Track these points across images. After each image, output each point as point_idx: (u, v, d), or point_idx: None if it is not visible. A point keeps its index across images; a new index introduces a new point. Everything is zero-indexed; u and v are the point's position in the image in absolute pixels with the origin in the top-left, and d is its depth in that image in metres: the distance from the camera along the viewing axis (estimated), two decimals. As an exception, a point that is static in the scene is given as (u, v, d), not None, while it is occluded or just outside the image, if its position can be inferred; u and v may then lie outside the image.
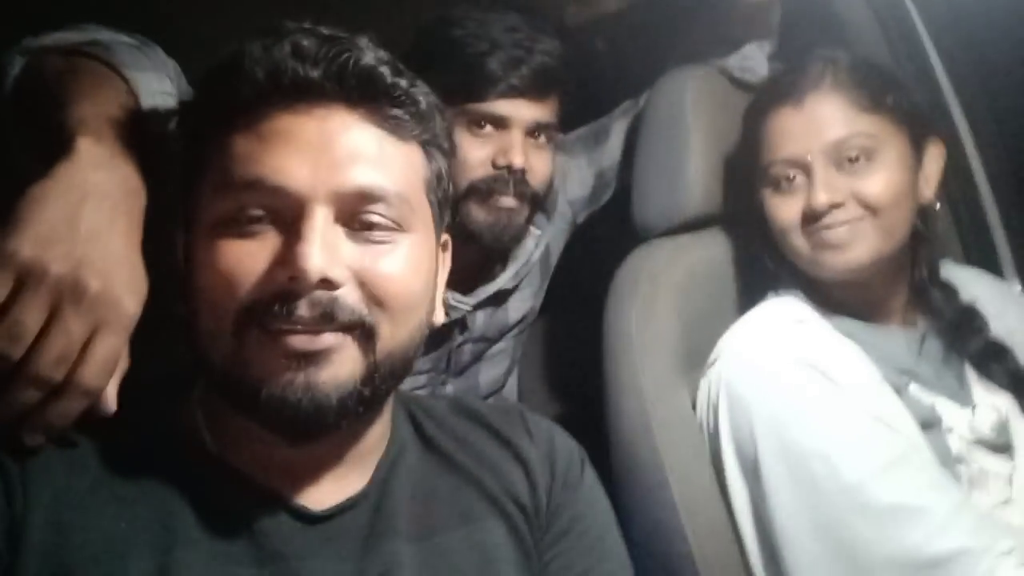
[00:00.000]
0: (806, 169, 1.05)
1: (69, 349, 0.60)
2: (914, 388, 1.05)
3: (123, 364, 0.65)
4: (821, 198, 1.03)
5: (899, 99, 1.07)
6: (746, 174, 1.18)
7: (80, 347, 0.61)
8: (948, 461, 1.00)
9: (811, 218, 1.05)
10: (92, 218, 0.63)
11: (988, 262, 1.43)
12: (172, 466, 0.68)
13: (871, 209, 1.03)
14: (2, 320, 0.59)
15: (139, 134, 0.72)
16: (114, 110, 0.71)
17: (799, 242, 1.08)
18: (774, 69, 1.29)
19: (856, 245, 1.04)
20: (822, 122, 1.05)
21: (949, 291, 1.15)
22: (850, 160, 1.04)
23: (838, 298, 1.11)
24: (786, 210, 1.08)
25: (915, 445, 0.98)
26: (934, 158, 1.10)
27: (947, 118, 1.41)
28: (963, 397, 1.08)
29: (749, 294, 1.22)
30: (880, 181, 1.03)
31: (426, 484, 0.77)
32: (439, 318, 0.77)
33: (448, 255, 0.82)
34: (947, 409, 1.05)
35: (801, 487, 0.96)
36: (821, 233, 1.05)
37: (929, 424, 1.02)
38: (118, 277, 0.63)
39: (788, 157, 1.07)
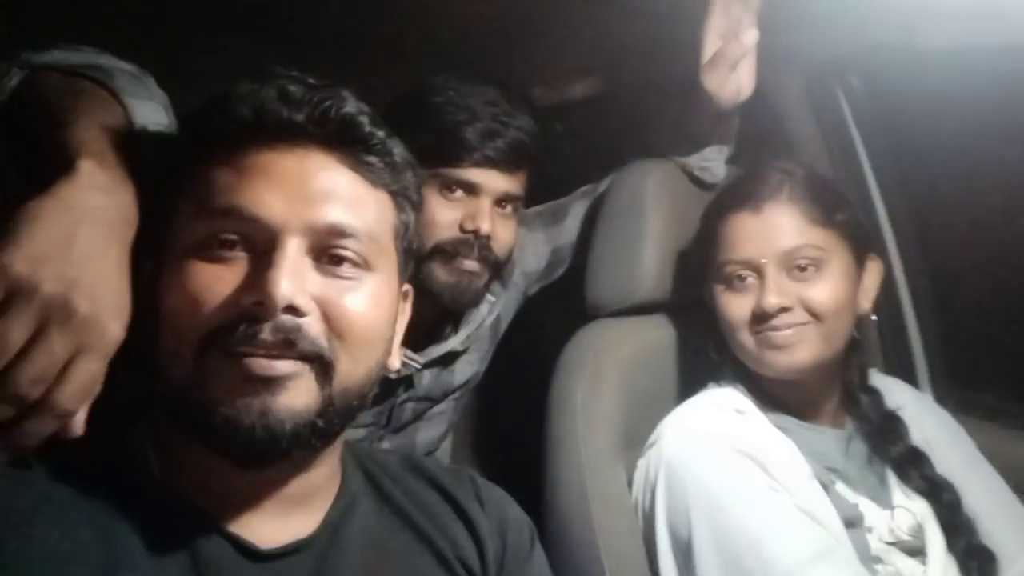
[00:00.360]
0: (759, 271, 1.11)
1: (49, 369, 0.60)
2: (840, 486, 1.10)
3: (96, 388, 0.64)
4: (772, 300, 1.08)
5: (847, 216, 1.15)
6: (698, 267, 1.23)
7: (60, 368, 0.60)
8: (867, 560, 1.04)
9: (760, 318, 1.10)
10: (87, 241, 0.63)
11: (906, 372, 1.52)
12: (118, 491, 0.68)
13: (816, 316, 1.09)
14: None
15: (135, 161, 0.72)
16: (114, 135, 0.72)
17: (746, 339, 1.13)
18: (731, 172, 1.37)
19: (799, 348, 1.10)
20: (778, 230, 1.11)
21: (876, 396, 1.21)
22: (799, 268, 1.10)
23: (775, 394, 1.17)
24: (736, 307, 1.13)
25: (840, 541, 1.02)
26: (872, 273, 1.18)
27: (877, 233, 1.51)
28: (884, 499, 1.13)
29: (690, 379, 1.27)
30: (826, 290, 1.10)
31: (378, 537, 0.77)
32: (395, 363, 0.79)
33: (408, 305, 0.84)
34: (869, 509, 1.09)
35: (731, 573, 0.99)
36: (768, 333, 1.10)
37: (852, 522, 1.06)
38: (106, 302, 0.63)
39: (743, 258, 1.13)
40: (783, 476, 1.04)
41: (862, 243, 1.16)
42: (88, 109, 0.72)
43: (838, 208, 1.14)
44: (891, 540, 1.08)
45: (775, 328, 1.09)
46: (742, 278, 1.13)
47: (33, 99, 0.74)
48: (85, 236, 0.63)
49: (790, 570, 0.96)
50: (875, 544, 1.07)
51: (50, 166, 0.67)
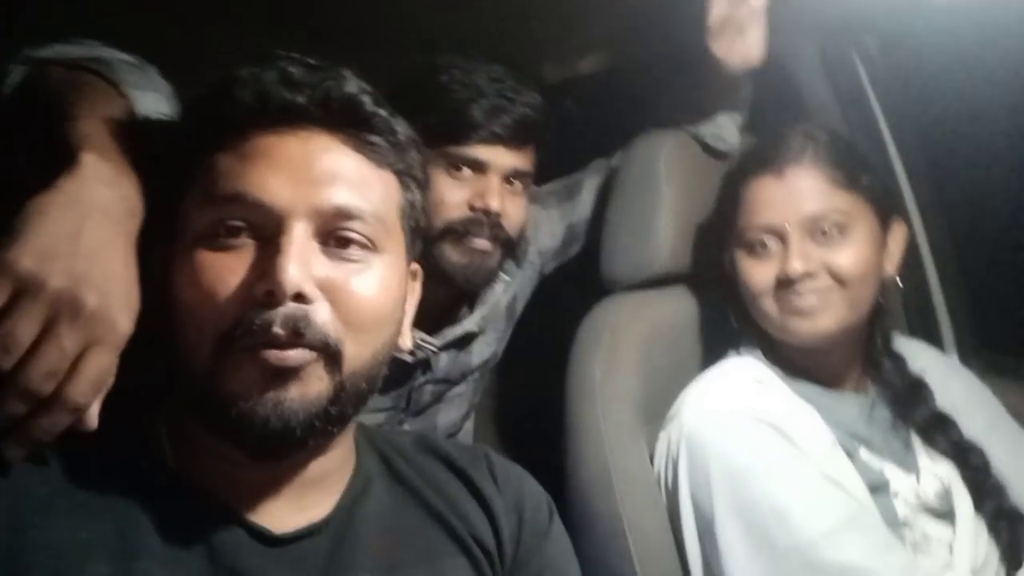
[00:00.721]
0: (782, 237, 1.10)
1: (60, 364, 0.60)
2: (864, 453, 1.09)
3: (109, 381, 0.64)
4: (796, 266, 1.07)
5: (872, 180, 1.13)
6: (717, 235, 1.22)
7: (71, 363, 0.61)
8: (894, 525, 1.03)
9: (784, 284, 1.09)
10: (94, 234, 0.63)
11: (930, 334, 1.50)
12: (134, 479, 0.68)
13: (841, 281, 1.08)
14: None
15: (139, 152, 0.72)
16: (117, 127, 0.72)
17: (768, 306, 1.11)
18: (745, 140, 1.35)
19: (824, 314, 1.08)
20: (801, 194, 1.09)
21: (899, 362, 1.20)
22: (823, 233, 1.08)
23: (796, 362, 1.15)
24: (759, 274, 1.12)
25: (866, 507, 1.01)
26: (897, 237, 1.16)
27: (897, 195, 1.48)
28: (909, 463, 1.12)
29: (709, 351, 1.26)
30: (851, 255, 1.08)
31: (392, 518, 0.77)
32: (407, 343, 0.79)
33: (418, 284, 0.83)
34: (894, 474, 1.08)
35: (755, 543, 0.98)
36: (791, 299, 1.09)
37: (877, 488, 1.05)
38: (114, 295, 0.63)
39: (765, 224, 1.11)
40: (806, 444, 1.03)
41: (886, 206, 1.14)
42: (90, 102, 0.72)
43: (862, 171, 1.12)
44: (917, 505, 1.07)
45: (799, 294, 1.08)
46: (764, 244, 1.11)
47: (36, 94, 0.74)
48: (91, 230, 0.63)
49: (816, 538, 0.96)
50: (902, 509, 1.06)
51: (56, 160, 0.67)
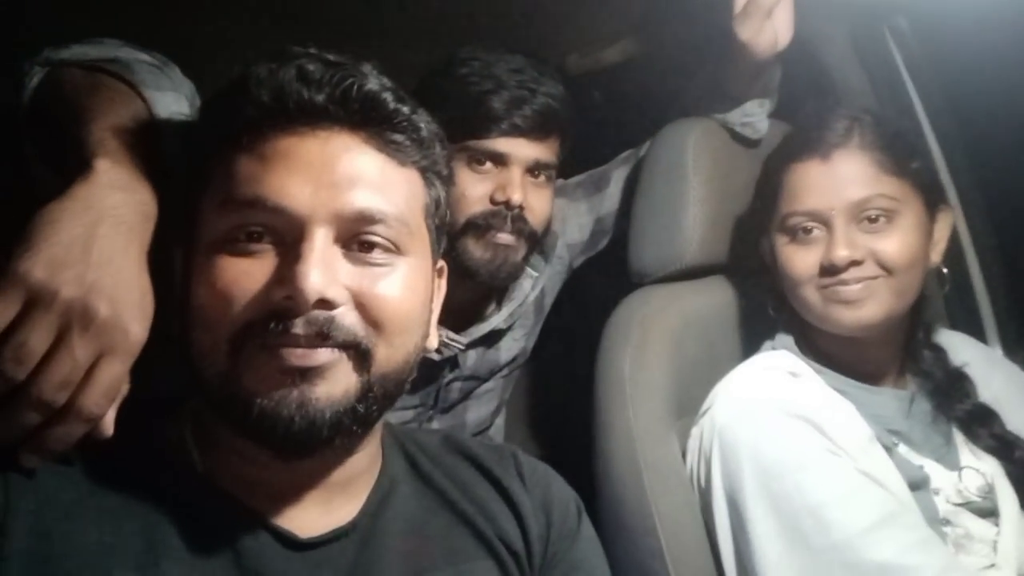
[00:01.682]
0: (827, 223, 1.07)
1: (73, 374, 0.60)
2: (903, 449, 1.06)
3: (123, 389, 0.64)
4: (842, 253, 1.04)
5: (920, 165, 1.09)
6: (757, 223, 1.19)
7: (84, 372, 0.61)
8: (935, 523, 1.00)
9: (828, 272, 1.05)
10: (106, 242, 0.63)
11: (972, 326, 1.45)
12: (159, 483, 0.68)
13: (887, 269, 1.05)
14: (9, 340, 0.59)
15: (155, 155, 0.72)
16: (133, 131, 0.71)
17: (810, 294, 1.08)
18: (774, 127, 1.32)
19: (869, 303, 1.05)
20: (848, 180, 1.06)
21: (941, 354, 1.16)
22: (870, 220, 1.05)
23: (834, 355, 1.12)
24: (802, 261, 1.08)
25: (905, 504, 0.98)
26: (943, 226, 1.12)
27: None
28: (950, 460, 1.08)
29: (741, 344, 1.24)
30: (898, 243, 1.05)
31: (418, 520, 0.76)
32: (433, 343, 0.77)
33: (443, 281, 0.82)
34: (935, 471, 1.05)
35: (789, 540, 0.96)
36: (836, 288, 1.06)
37: (917, 485, 1.02)
38: (127, 303, 0.63)
39: (810, 210, 1.08)
40: (842, 440, 1.00)
41: (934, 193, 1.11)
42: (106, 105, 0.72)
43: (911, 156, 1.09)
44: (959, 501, 1.04)
45: (844, 283, 1.05)
46: (808, 230, 1.08)
47: (54, 98, 0.74)
48: (104, 237, 0.63)
49: (853, 536, 0.93)
50: (943, 506, 1.03)
51: (71, 165, 0.67)
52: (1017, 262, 1.50)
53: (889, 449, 1.04)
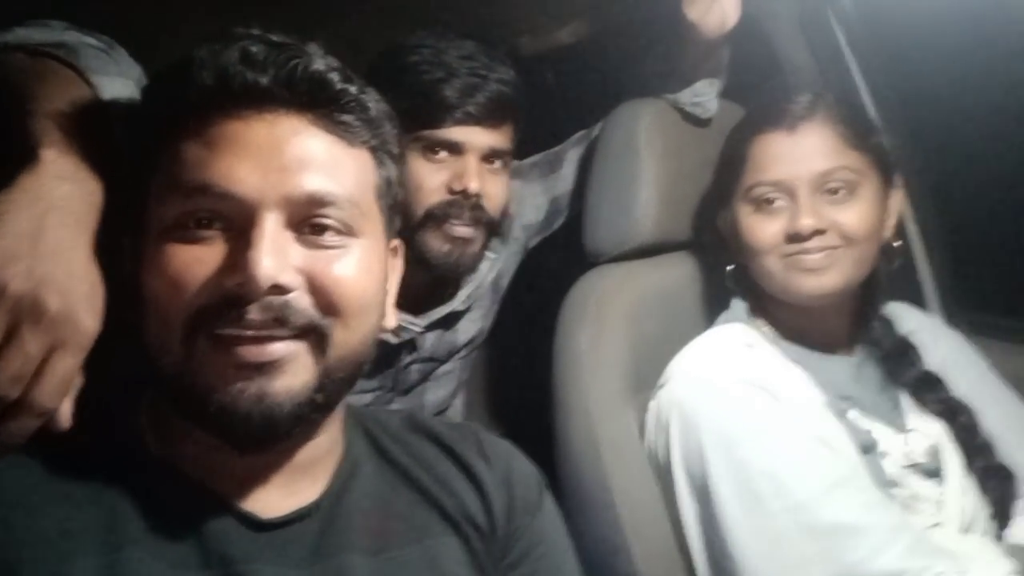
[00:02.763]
0: (791, 193, 1.09)
1: (25, 368, 0.59)
2: (853, 414, 1.09)
3: (77, 381, 0.64)
4: (807, 222, 1.06)
5: (878, 141, 1.13)
6: (718, 195, 1.21)
7: (36, 366, 0.60)
8: (883, 484, 1.03)
9: (793, 239, 1.08)
10: (55, 234, 0.62)
11: (914, 296, 1.50)
12: (119, 468, 0.67)
13: (848, 239, 1.07)
14: None
15: (103, 142, 0.70)
16: (80, 118, 0.69)
17: (773, 263, 1.11)
18: (723, 106, 1.34)
19: (830, 271, 1.08)
20: (813, 150, 1.09)
21: (887, 323, 1.20)
22: (832, 191, 1.08)
23: (788, 325, 1.15)
24: (766, 230, 1.11)
25: (855, 467, 1.02)
26: (895, 200, 1.16)
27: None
28: (898, 423, 1.12)
29: (697, 319, 1.26)
30: (858, 214, 1.08)
31: (381, 498, 0.77)
32: (391, 322, 0.77)
33: (399, 261, 0.82)
34: (883, 434, 1.08)
35: (749, 505, 0.98)
36: (799, 256, 1.08)
37: (867, 448, 1.05)
38: (78, 296, 0.62)
39: (775, 179, 1.10)
40: (796, 406, 1.03)
41: (889, 169, 1.14)
42: (52, 92, 0.70)
43: (871, 131, 1.13)
44: (906, 464, 1.08)
45: (807, 251, 1.07)
46: (772, 200, 1.10)
47: None
48: (52, 229, 0.62)
49: (807, 499, 0.96)
50: (890, 468, 1.06)
51: (15, 153, 0.66)
52: (957, 234, 1.54)
53: (840, 414, 1.07)
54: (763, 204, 1.11)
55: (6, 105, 0.70)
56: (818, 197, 1.08)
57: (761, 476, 0.98)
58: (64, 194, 0.64)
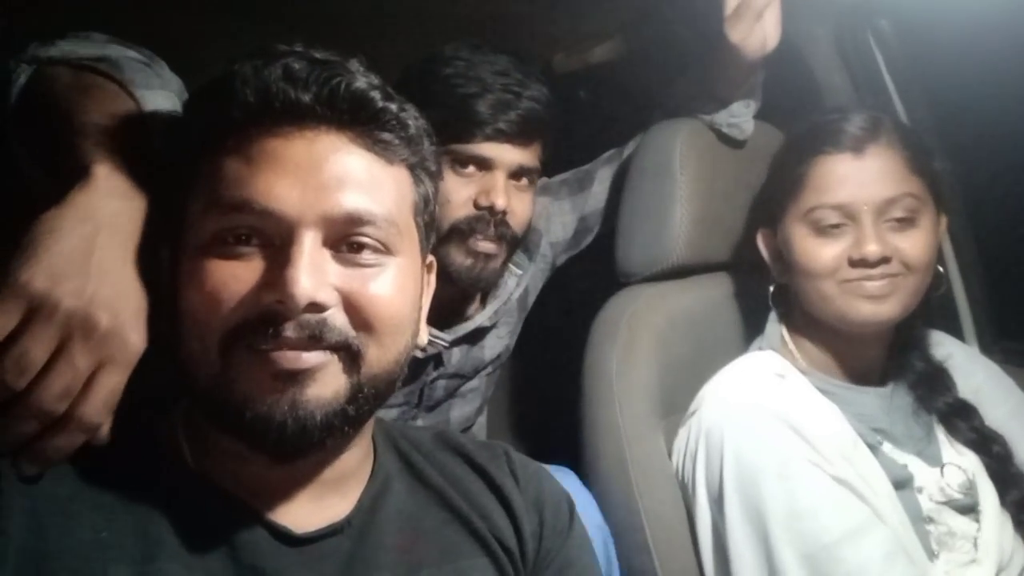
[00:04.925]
0: (853, 217, 1.06)
1: (74, 384, 0.60)
2: (887, 447, 1.07)
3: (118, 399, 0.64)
4: (873, 248, 1.04)
5: (936, 167, 1.11)
6: (761, 214, 1.19)
7: (84, 382, 0.61)
8: (919, 521, 1.02)
9: (857, 265, 1.05)
10: (106, 253, 0.63)
11: (950, 324, 1.48)
12: (153, 480, 0.68)
13: (909, 268, 1.05)
14: (10, 349, 0.59)
15: (147, 156, 0.71)
16: (126, 133, 0.70)
17: (830, 287, 1.08)
18: (759, 128, 1.33)
19: (891, 299, 1.06)
20: (879, 175, 1.06)
21: (924, 351, 1.18)
22: (895, 218, 1.06)
23: (821, 354, 1.14)
24: (826, 254, 1.08)
25: (888, 506, 0.99)
26: (942, 226, 1.13)
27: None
28: (932, 456, 1.10)
29: (727, 344, 1.24)
30: (920, 242, 1.06)
31: (413, 518, 0.76)
32: (423, 339, 0.77)
33: (433, 277, 0.82)
34: (918, 468, 1.07)
35: (761, 548, 0.97)
36: (861, 282, 1.06)
37: (902, 484, 1.03)
38: (126, 313, 0.63)
39: (839, 202, 1.07)
40: (823, 446, 1.01)
41: (942, 195, 1.12)
42: (98, 106, 0.71)
43: (930, 156, 1.10)
44: (942, 499, 1.06)
45: (870, 278, 1.05)
46: (833, 224, 1.08)
47: (43, 98, 0.73)
48: (102, 247, 0.63)
49: (819, 549, 0.94)
50: (926, 504, 1.04)
51: (65, 165, 0.67)
52: (994, 263, 1.52)
53: (874, 448, 1.05)
54: (823, 227, 1.08)
55: (53, 120, 0.71)
56: (881, 223, 1.06)
57: (775, 521, 0.96)
58: (114, 211, 0.65)
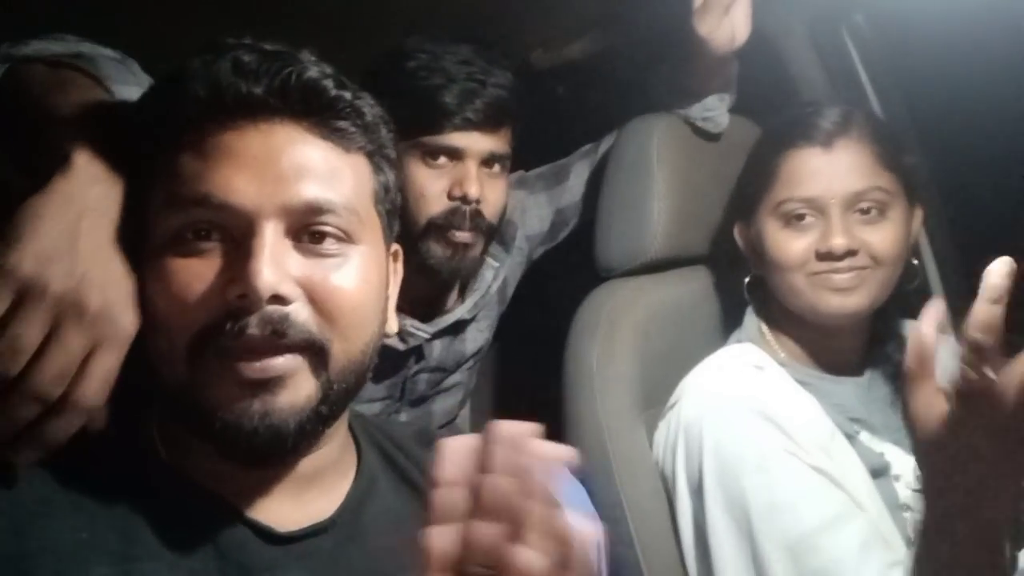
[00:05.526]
0: (822, 211, 1.07)
1: (68, 366, 0.60)
2: (865, 436, 1.08)
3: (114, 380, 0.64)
4: (839, 241, 1.05)
5: (909, 161, 1.12)
6: (738, 209, 1.20)
7: (79, 364, 0.60)
8: (896, 508, 1.03)
9: (824, 257, 1.06)
10: (91, 234, 0.63)
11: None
12: (133, 479, 0.67)
13: (877, 261, 1.06)
14: (1, 335, 0.58)
15: (127, 149, 0.70)
16: (104, 123, 0.70)
17: (799, 280, 1.09)
18: (734, 122, 1.34)
19: (858, 292, 1.07)
20: (847, 169, 1.07)
21: (902, 342, 1.19)
22: (863, 211, 1.07)
23: (799, 345, 1.15)
24: (795, 247, 1.09)
25: (864, 497, 1.00)
26: (917, 219, 1.15)
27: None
28: (909, 444, 1.10)
29: (707, 336, 1.25)
30: (889, 236, 1.07)
31: (397, 518, 0.76)
32: (392, 328, 0.76)
33: (399, 265, 0.81)
34: (895, 456, 1.08)
35: (740, 540, 0.98)
36: (828, 275, 1.07)
37: (879, 472, 1.04)
38: (117, 294, 0.62)
39: (807, 196, 1.08)
40: (802, 437, 1.01)
41: (915, 189, 1.13)
42: (76, 99, 0.70)
43: (902, 151, 1.11)
44: (919, 486, 1.06)
45: (836, 271, 1.06)
46: (801, 216, 1.09)
47: (17, 95, 0.72)
48: (88, 230, 0.63)
49: (796, 540, 0.94)
50: (903, 492, 1.05)
51: (44, 161, 0.66)
52: (970, 257, 1.54)
53: (851, 438, 1.06)
54: (792, 220, 1.09)
55: (28, 115, 0.70)
56: (849, 216, 1.07)
57: (754, 512, 0.97)
58: (97, 195, 0.65)
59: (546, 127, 1.31)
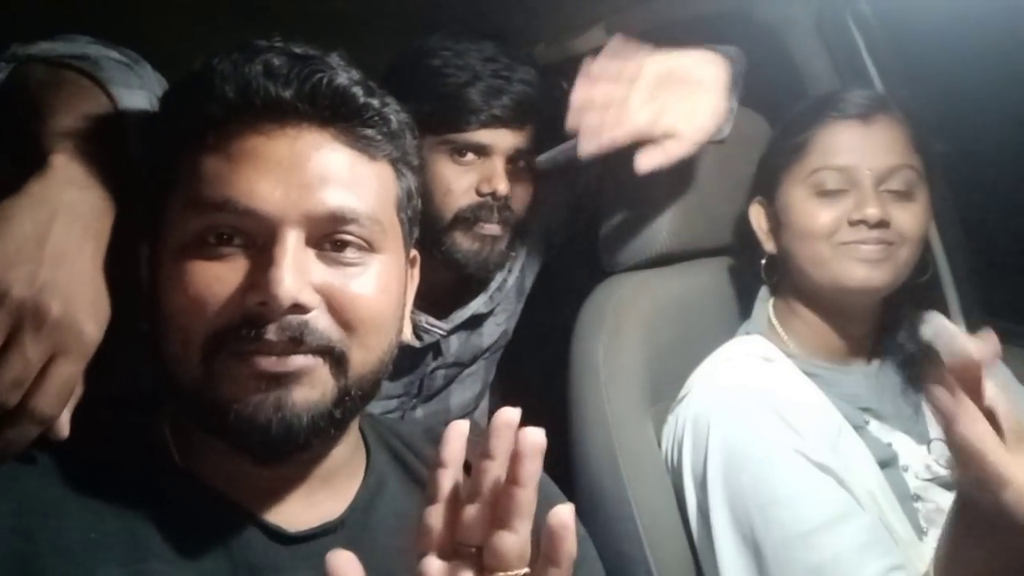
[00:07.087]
0: (855, 183, 1.08)
1: (25, 375, 0.59)
2: (874, 426, 1.08)
3: (78, 390, 0.63)
4: (873, 211, 1.05)
5: (935, 148, 1.13)
6: (757, 185, 1.21)
7: (36, 373, 0.60)
8: (906, 499, 1.02)
9: (857, 225, 1.06)
10: (60, 239, 0.62)
11: (936, 303, 1.48)
12: (142, 480, 0.67)
13: (903, 239, 1.07)
14: None
15: (118, 152, 0.70)
16: (94, 127, 0.69)
17: (824, 249, 1.09)
18: (742, 115, 1.32)
19: (883, 266, 1.07)
20: (884, 143, 1.08)
21: (911, 330, 1.18)
22: (893, 189, 1.08)
23: (809, 334, 1.15)
24: (825, 215, 1.09)
25: (865, 496, 0.99)
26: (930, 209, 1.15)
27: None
28: (920, 434, 1.10)
29: (714, 329, 1.24)
30: (916, 216, 1.08)
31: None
32: (407, 334, 0.77)
33: (416, 271, 0.81)
34: (904, 445, 1.07)
35: (741, 534, 0.97)
36: (857, 245, 1.07)
37: (886, 463, 1.04)
38: (81, 301, 0.62)
39: (843, 165, 1.09)
40: (809, 432, 1.01)
41: (935, 176, 1.14)
42: (68, 100, 0.70)
43: (932, 137, 1.13)
44: (928, 476, 1.06)
45: (865, 241, 1.06)
46: (834, 188, 1.09)
47: (18, 92, 0.73)
48: (58, 233, 0.62)
49: (794, 537, 0.94)
50: (913, 482, 1.05)
51: (32, 161, 0.66)
52: (979, 241, 1.53)
53: (860, 429, 1.05)
54: (824, 190, 1.10)
55: (23, 113, 0.70)
56: (880, 191, 1.07)
57: (754, 507, 0.96)
58: (71, 199, 0.64)
59: (552, 122, 1.31)
